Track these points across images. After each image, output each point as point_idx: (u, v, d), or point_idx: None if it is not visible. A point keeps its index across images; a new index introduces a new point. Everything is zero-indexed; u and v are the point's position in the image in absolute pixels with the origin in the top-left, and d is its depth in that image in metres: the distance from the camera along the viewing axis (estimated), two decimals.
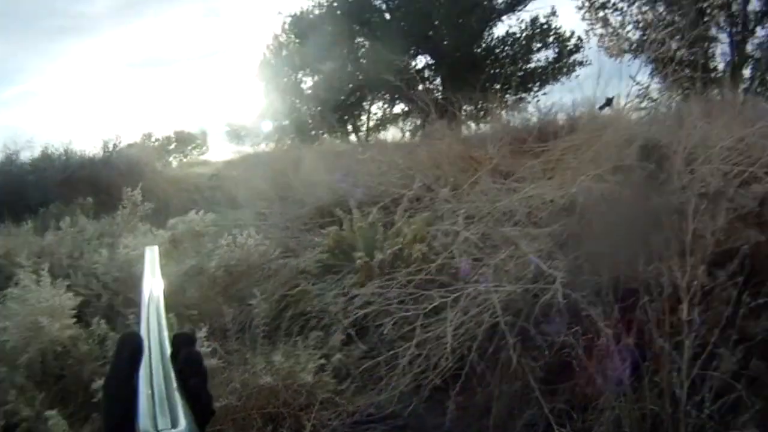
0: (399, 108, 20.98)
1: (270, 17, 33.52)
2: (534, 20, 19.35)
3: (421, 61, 20.39)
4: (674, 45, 6.83)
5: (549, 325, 3.08)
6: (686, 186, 3.51)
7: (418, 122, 16.59)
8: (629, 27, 17.92)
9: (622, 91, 5.64)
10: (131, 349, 0.75)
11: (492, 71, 18.64)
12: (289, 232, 5.81)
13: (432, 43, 19.46)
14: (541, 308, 3.11)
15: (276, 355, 3.30)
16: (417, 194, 5.20)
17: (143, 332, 0.80)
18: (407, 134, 18.08)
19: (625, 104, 5.48)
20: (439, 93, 17.95)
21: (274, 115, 21.93)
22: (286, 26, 21.71)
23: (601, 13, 18.70)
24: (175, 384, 0.71)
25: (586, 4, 18.83)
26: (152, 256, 0.99)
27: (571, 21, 23.79)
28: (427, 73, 20.20)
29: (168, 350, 0.77)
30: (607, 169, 4.05)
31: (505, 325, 3.07)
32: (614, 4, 18.45)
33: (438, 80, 20.30)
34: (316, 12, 20.68)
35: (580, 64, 18.96)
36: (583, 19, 19.00)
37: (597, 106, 5.98)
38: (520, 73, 19.13)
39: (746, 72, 16.84)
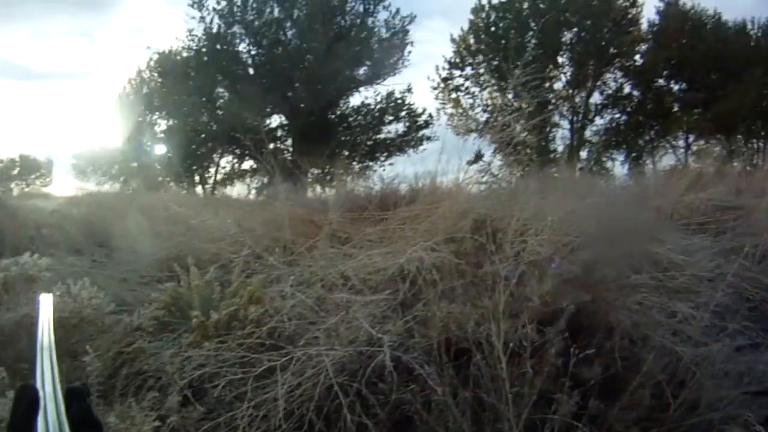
0: (248, 164, 21.19)
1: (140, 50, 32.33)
2: (390, 94, 20.70)
3: (276, 120, 20.96)
4: (518, 128, 7.37)
5: (383, 384, 3.13)
6: (517, 255, 3.83)
7: (265, 180, 16.61)
8: (478, 109, 19.65)
9: (464, 166, 5.87)
10: (28, 401, 0.78)
11: (343, 138, 19.55)
12: (126, 284, 5.51)
13: (289, 104, 19.97)
14: (375, 369, 3.16)
15: (110, 417, 3.07)
16: (254, 255, 5.13)
17: (38, 383, 0.82)
18: (253, 191, 17.96)
19: (464, 179, 5.68)
20: (289, 154, 18.31)
21: (124, 154, 21.16)
22: (152, 63, 21.53)
23: (453, 95, 20.25)
24: None
25: (441, 85, 20.32)
26: (46, 305, 1.01)
27: (424, 98, 25.45)
28: (279, 133, 20.81)
29: (62, 402, 0.79)
30: (441, 239, 4.22)
31: (338, 387, 3.09)
32: (467, 88, 20.25)
33: (289, 141, 20.78)
34: (184, 54, 20.63)
35: (428, 139, 20.37)
36: (437, 98, 20.51)
37: (466, 162, 6.09)
38: (369, 142, 20.19)
39: (583, 154, 19.29)
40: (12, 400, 0.81)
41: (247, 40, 20.27)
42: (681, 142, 19.97)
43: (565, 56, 20.04)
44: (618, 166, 19.33)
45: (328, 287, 4.14)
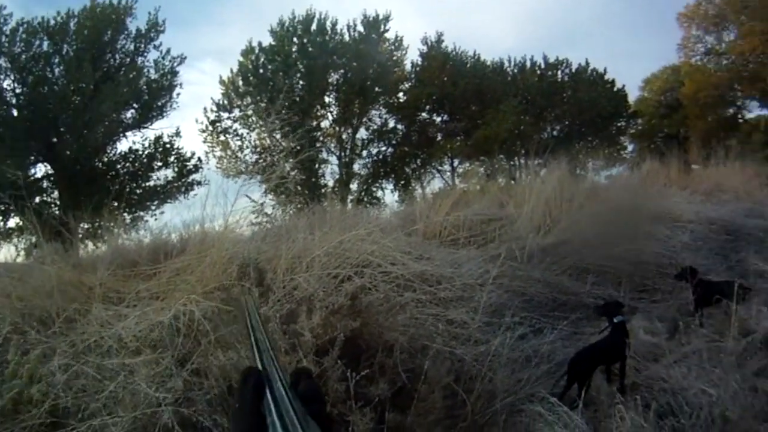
0: (13, 222, 18.39)
1: None
2: (158, 138, 19.45)
3: (41, 169, 18.50)
4: (288, 166, 7.42)
5: None
6: (288, 294, 4.01)
7: (33, 240, 14.86)
8: (247, 151, 19.49)
9: (236, 209, 5.73)
10: (254, 384, 0.83)
11: (112, 187, 17.79)
12: None
13: (55, 152, 17.91)
14: (162, 430, 3.15)
15: None
16: (18, 330, 4.65)
17: (263, 373, 0.86)
18: (21, 253, 15.86)
19: (233, 222, 5.64)
20: (57, 208, 16.63)
21: None
22: None
23: (222, 137, 19.87)
24: (302, 409, 0.79)
25: (210, 128, 19.87)
26: (249, 306, 1.09)
27: (193, 142, 24.59)
28: (45, 184, 18.40)
29: (287, 382, 0.85)
30: (212, 287, 4.26)
31: None
32: (235, 130, 19.95)
33: (56, 193, 18.60)
34: None
35: (198, 183, 19.39)
36: (205, 141, 20.01)
37: (236, 205, 6.01)
38: (138, 191, 18.83)
39: (354, 186, 19.67)
40: (238, 385, 0.85)
41: (12, 76, 17.68)
42: (447, 167, 21.44)
43: (331, 96, 20.58)
44: (389, 195, 20.31)
45: (105, 353, 3.95)
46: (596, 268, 6.56)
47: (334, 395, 3.23)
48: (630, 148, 25.52)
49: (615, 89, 23.51)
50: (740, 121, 25.69)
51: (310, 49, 19.86)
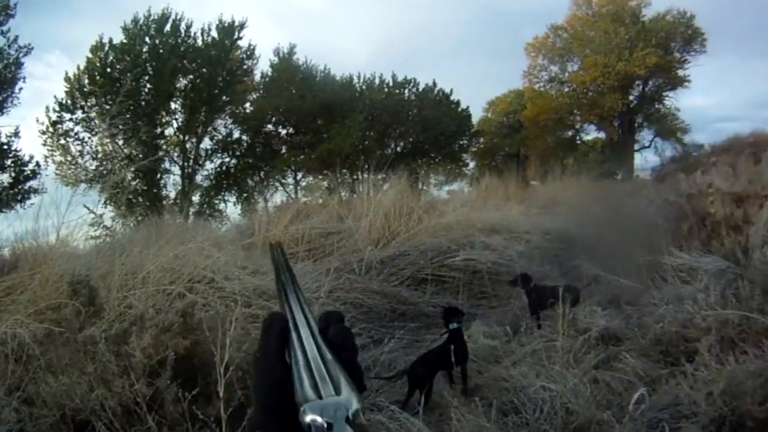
0: None
1: None
2: None
3: None
4: (130, 176, 7.26)
5: None
6: (121, 314, 3.94)
7: None
8: (87, 157, 17.82)
9: (73, 220, 5.57)
10: (279, 327, 0.77)
11: None
12: None
13: None
14: None
15: None
16: None
17: (289, 317, 0.79)
18: None
19: (69, 236, 5.49)
20: None
21: None
22: None
23: (63, 141, 18.00)
24: (330, 356, 0.72)
25: (50, 129, 17.97)
26: (278, 253, 1.01)
27: (32, 144, 21.65)
28: None
29: (315, 326, 0.78)
30: (43, 307, 4.10)
31: None
32: (77, 134, 18.12)
33: None
34: None
35: (36, 191, 16.82)
36: (45, 144, 17.99)
37: (74, 216, 5.68)
38: None
39: (196, 198, 18.82)
40: (261, 331, 0.79)
41: None
42: (290, 180, 21.20)
43: (178, 102, 19.56)
44: (231, 207, 19.69)
45: None
46: (435, 278, 6.95)
47: (171, 418, 3.20)
48: (472, 165, 26.63)
49: (460, 109, 24.49)
50: (578, 142, 28.38)
51: (161, 50, 18.80)
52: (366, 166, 17.84)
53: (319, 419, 0.62)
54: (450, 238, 8.11)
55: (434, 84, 24.05)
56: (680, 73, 26.58)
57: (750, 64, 42.24)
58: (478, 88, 43.76)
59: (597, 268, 6.96)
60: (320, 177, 20.20)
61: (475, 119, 26.42)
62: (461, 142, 25.09)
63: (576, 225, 10.41)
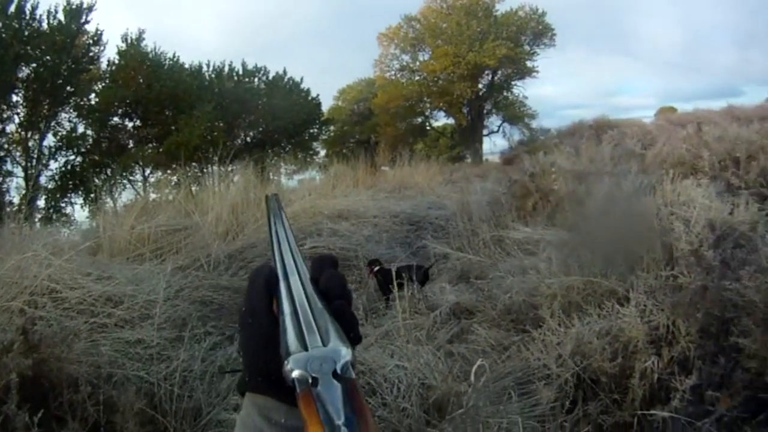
0: None
1: None
2: None
3: None
4: None
5: None
6: None
7: None
8: None
9: None
10: (265, 277, 0.71)
11: None
12: None
13: None
14: None
15: None
16: None
17: (278, 267, 0.73)
18: None
19: None
20: None
21: None
22: None
23: None
24: (320, 304, 0.66)
25: None
26: (274, 204, 0.95)
27: None
28: None
29: (306, 274, 0.72)
30: None
31: None
32: None
33: None
34: None
35: None
36: None
37: None
38: None
39: (41, 203, 17.27)
40: (247, 285, 0.72)
41: None
42: (139, 176, 19.87)
43: (20, 95, 17.75)
44: (79, 210, 17.74)
45: None
46: None
47: None
48: (323, 153, 26.90)
49: (310, 98, 24.46)
50: (428, 128, 29.72)
51: (3, 35, 16.60)
52: (215, 158, 15.98)
53: (301, 373, 0.58)
54: (297, 227, 8.06)
55: (284, 72, 23.91)
56: (529, 64, 28.50)
57: (596, 57, 47.46)
58: (329, 77, 44.01)
59: (445, 247, 7.20)
60: (169, 172, 18.73)
61: (325, 108, 26.63)
62: (311, 131, 25.13)
63: (426, 207, 10.84)
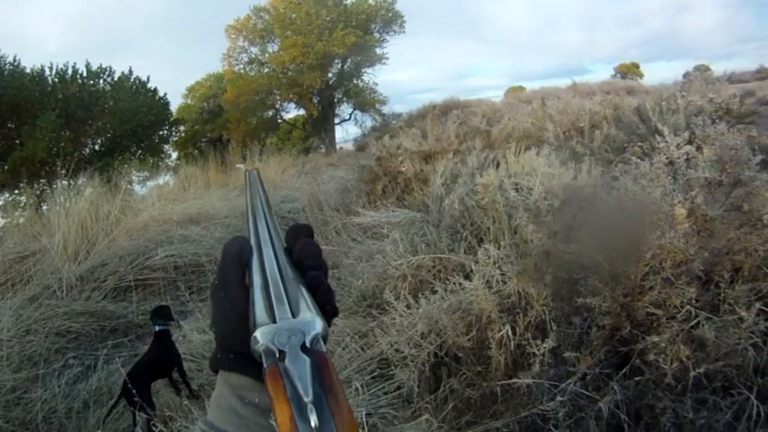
0: None
1: None
2: None
3: None
4: None
5: None
6: None
7: None
8: None
9: None
10: (237, 250, 0.68)
11: None
12: None
13: None
14: None
15: None
16: None
17: (252, 239, 0.71)
18: None
19: None
20: None
21: None
22: None
23: None
24: (292, 275, 0.64)
25: None
26: (253, 178, 0.93)
27: None
28: None
29: (280, 246, 0.70)
30: None
31: None
32: None
33: None
34: None
35: None
36: None
37: None
38: None
39: None
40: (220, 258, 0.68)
41: None
42: None
43: None
44: None
45: None
46: (139, 284, 6.51)
47: None
48: (174, 155, 25.82)
49: (157, 98, 23.17)
50: (280, 121, 29.89)
51: None
52: (63, 172, 14.38)
53: (267, 347, 0.54)
54: (147, 238, 7.66)
55: (130, 72, 22.54)
56: (378, 51, 28.73)
57: (445, 42, 49.81)
58: (177, 72, 42.64)
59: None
60: (16, 192, 16.52)
61: (174, 107, 25.81)
62: (161, 133, 23.65)
63: (279, 201, 10.82)
